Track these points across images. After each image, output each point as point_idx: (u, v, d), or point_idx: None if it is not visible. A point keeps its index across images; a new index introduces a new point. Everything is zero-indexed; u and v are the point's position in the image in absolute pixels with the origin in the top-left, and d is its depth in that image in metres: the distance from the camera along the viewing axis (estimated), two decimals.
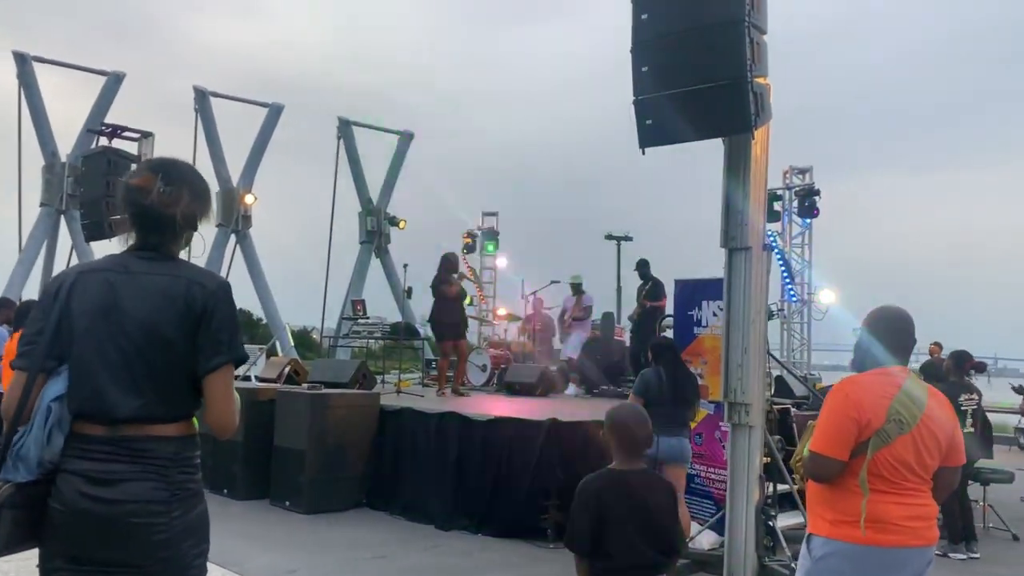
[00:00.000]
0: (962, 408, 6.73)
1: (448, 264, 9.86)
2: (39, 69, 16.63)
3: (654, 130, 4.70)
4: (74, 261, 13.60)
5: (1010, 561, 6.65)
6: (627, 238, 17.02)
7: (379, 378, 10.68)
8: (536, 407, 8.22)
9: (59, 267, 15.48)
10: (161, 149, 9.52)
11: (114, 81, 16.88)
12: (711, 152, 5.00)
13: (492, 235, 18.00)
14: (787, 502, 6.25)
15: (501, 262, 18.51)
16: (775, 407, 6.92)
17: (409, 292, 11.88)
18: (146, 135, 9.62)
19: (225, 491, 7.61)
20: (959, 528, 6.69)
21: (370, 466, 7.69)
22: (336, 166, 18.59)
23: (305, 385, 8.57)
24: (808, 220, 15.51)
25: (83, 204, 9.78)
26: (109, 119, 12.38)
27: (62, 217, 16.24)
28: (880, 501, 2.53)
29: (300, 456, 7.37)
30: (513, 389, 10.55)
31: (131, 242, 2.12)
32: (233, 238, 18.56)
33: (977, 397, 7.11)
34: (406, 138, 20.40)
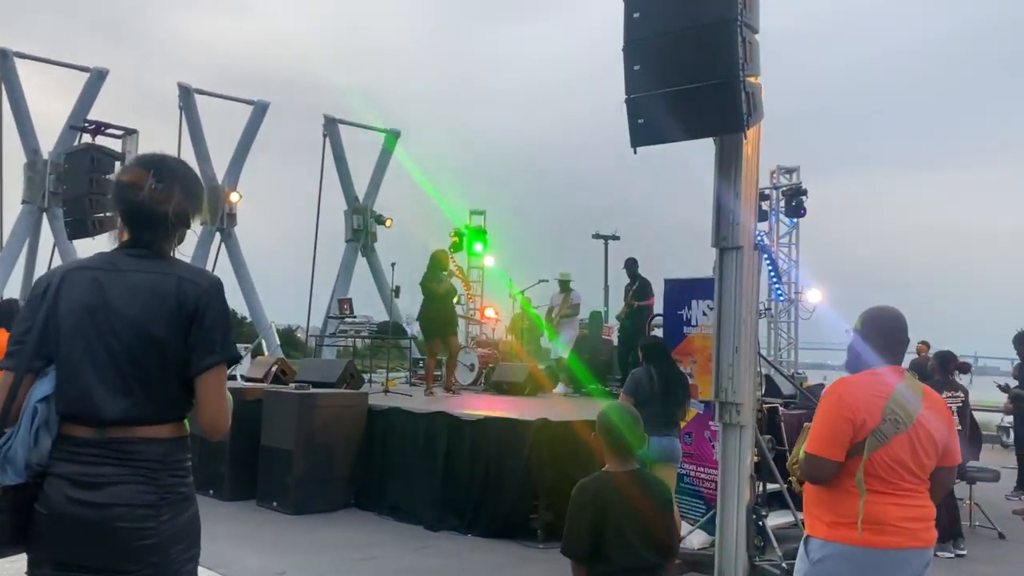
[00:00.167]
0: (948, 406, 6.77)
1: (437, 262, 9.83)
2: (20, 65, 16.45)
3: (646, 129, 4.69)
4: (56, 259, 13.49)
5: (996, 559, 6.70)
6: (614, 237, 17.05)
7: (365, 377, 10.61)
8: (525, 406, 8.20)
9: (41, 265, 15.34)
10: (145, 146, 9.41)
11: (97, 77, 16.72)
12: (698, 151, 5.01)
13: (479, 234, 17.93)
14: (776, 501, 6.28)
15: (488, 261, 18.46)
16: (764, 406, 6.93)
17: (397, 291, 11.81)
18: (130, 132, 9.52)
19: (211, 492, 7.54)
20: (946, 527, 6.73)
21: (358, 466, 7.65)
22: (322, 164, 18.52)
23: (292, 385, 8.50)
24: (795, 220, 15.59)
25: (66, 202, 9.67)
26: (92, 116, 12.26)
27: (44, 215, 16.09)
28: (878, 502, 2.53)
29: (288, 456, 7.31)
30: (501, 388, 10.53)
31: (123, 239, 2.08)
32: (218, 236, 18.43)
33: (963, 395, 7.16)
34: (393, 136, 20.33)
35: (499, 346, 13.81)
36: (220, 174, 18.71)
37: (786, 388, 9.25)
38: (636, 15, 4.69)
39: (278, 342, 18.66)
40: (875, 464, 2.54)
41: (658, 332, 8.27)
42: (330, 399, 7.75)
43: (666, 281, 7.15)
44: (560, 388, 11.32)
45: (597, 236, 17.12)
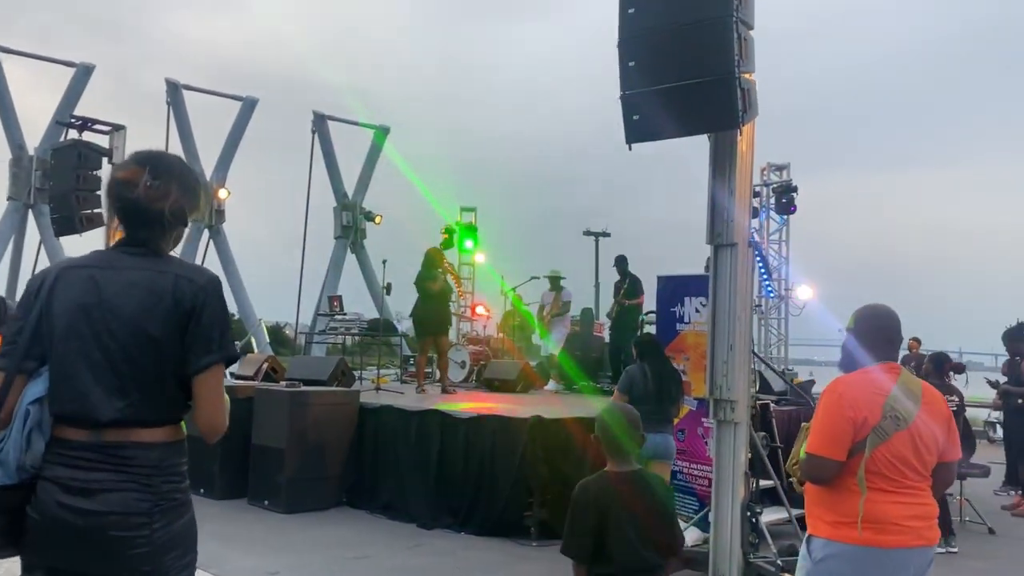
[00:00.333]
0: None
1: (432, 260, 9.77)
2: (5, 60, 16.25)
3: (641, 126, 4.67)
4: (43, 256, 13.33)
5: (987, 555, 6.73)
6: (605, 234, 17.06)
7: (356, 374, 10.57)
8: (517, 403, 8.18)
9: (27, 263, 15.16)
10: (133, 142, 9.35)
11: (83, 73, 16.53)
12: (690, 148, 4.99)
13: (470, 230, 17.89)
14: (768, 498, 6.29)
15: (479, 258, 18.42)
16: (757, 403, 6.94)
17: (388, 288, 11.74)
18: (117, 128, 9.40)
19: (202, 491, 7.48)
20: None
21: (350, 464, 7.61)
22: (311, 160, 18.40)
23: (283, 382, 8.46)
24: (785, 216, 15.65)
25: (52, 198, 9.58)
26: (78, 112, 12.10)
27: (30, 211, 15.91)
28: (879, 501, 2.52)
29: (279, 455, 7.26)
30: (492, 385, 10.51)
31: (118, 237, 2.04)
32: (206, 233, 18.29)
33: (958, 399, 7.14)
34: (382, 132, 20.23)
35: (490, 343, 13.80)
36: (208, 171, 18.55)
37: (777, 384, 9.29)
38: (631, 11, 4.68)
39: (267, 339, 18.56)
40: (877, 461, 2.53)
41: (650, 328, 8.27)
42: (322, 397, 7.70)
43: (659, 278, 7.15)
44: (551, 385, 11.32)
45: (588, 233, 17.14)
